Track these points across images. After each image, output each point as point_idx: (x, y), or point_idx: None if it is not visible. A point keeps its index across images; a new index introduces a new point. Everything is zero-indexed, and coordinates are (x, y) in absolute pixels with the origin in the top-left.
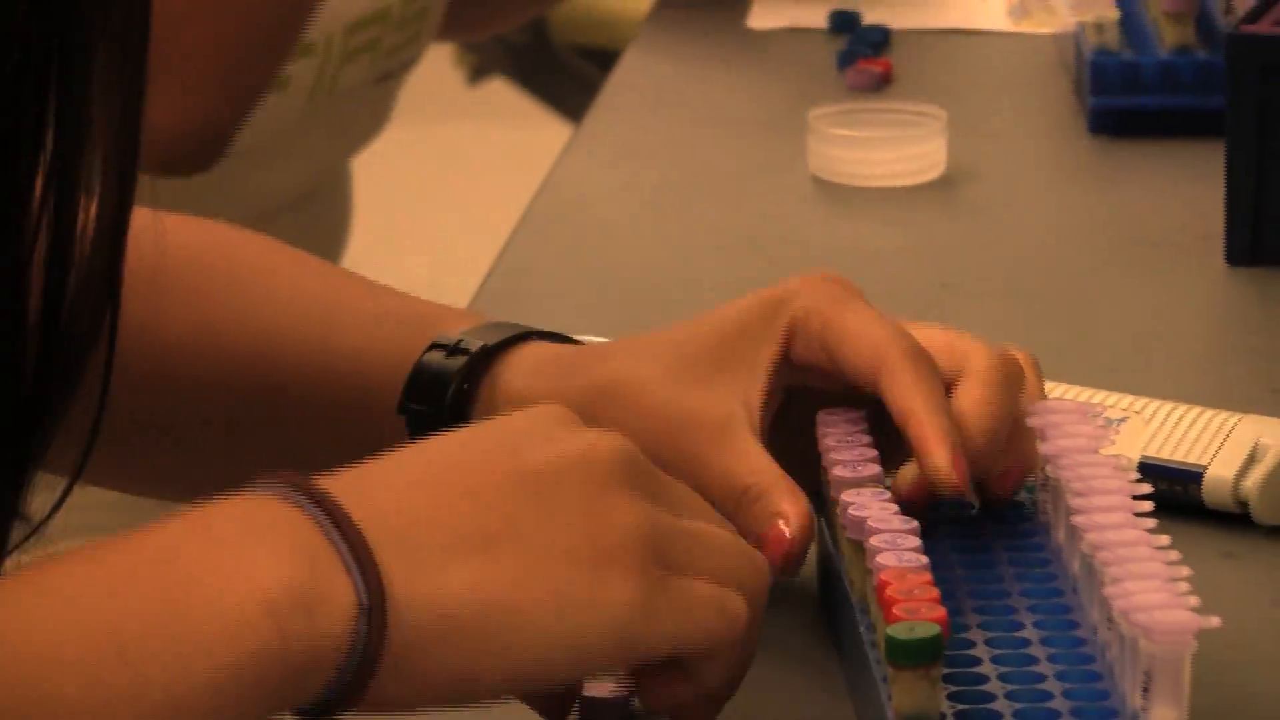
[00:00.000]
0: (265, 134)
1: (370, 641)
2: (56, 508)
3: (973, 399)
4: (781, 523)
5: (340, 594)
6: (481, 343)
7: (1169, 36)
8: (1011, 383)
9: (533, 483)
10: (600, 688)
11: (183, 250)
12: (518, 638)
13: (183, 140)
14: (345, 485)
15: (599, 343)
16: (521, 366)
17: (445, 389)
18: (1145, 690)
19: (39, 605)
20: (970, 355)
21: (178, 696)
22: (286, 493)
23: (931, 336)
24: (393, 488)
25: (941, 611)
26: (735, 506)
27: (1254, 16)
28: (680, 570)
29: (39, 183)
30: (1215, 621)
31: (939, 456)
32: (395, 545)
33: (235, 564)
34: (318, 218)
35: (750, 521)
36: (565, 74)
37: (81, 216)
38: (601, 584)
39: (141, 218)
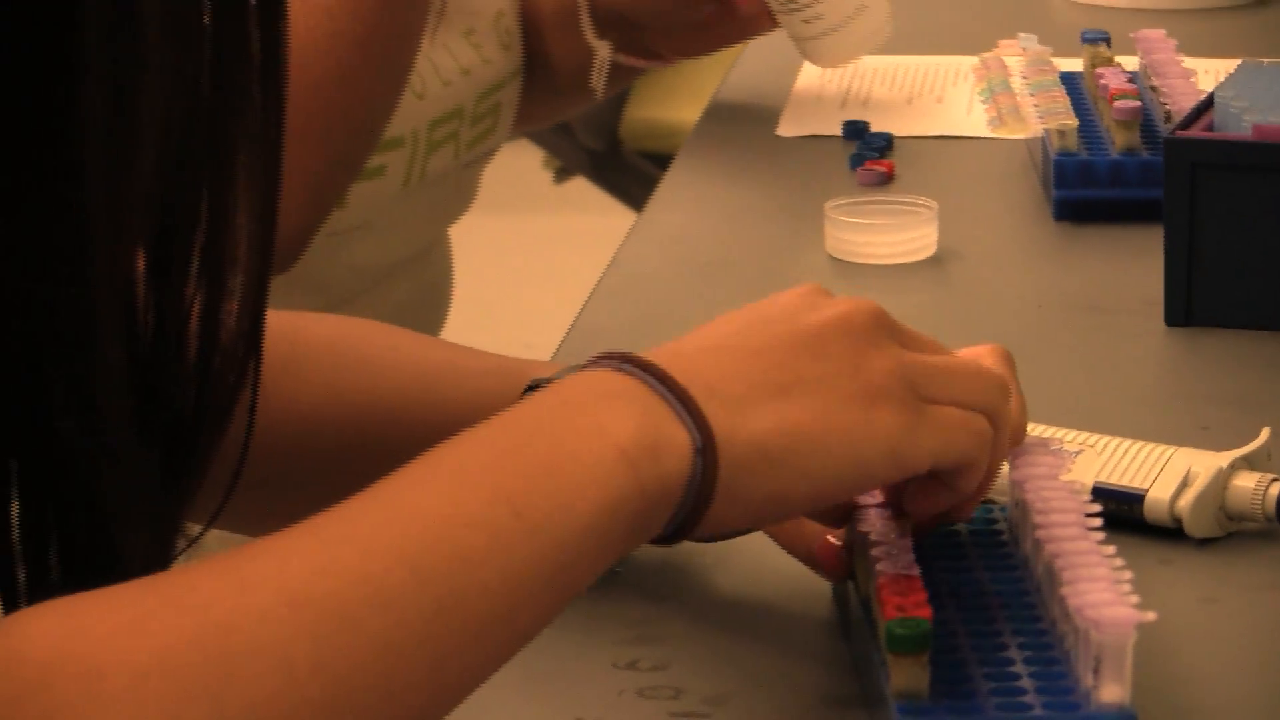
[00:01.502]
0: (368, 213)
1: (705, 475)
2: (205, 530)
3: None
4: (831, 537)
5: (677, 439)
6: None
7: (1119, 140)
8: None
9: (807, 341)
10: (871, 497)
11: (319, 337)
12: (816, 462)
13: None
14: (663, 355)
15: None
16: None
17: None
18: (1095, 672)
19: (438, 479)
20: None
21: (562, 538)
22: (620, 366)
23: None
24: (700, 354)
25: (929, 610)
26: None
27: (1186, 124)
28: (934, 399)
29: (195, 258)
30: (1152, 616)
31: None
32: (710, 397)
33: (592, 425)
34: (422, 284)
35: (804, 534)
36: (632, 173)
37: (229, 286)
38: (875, 415)
39: (280, 317)
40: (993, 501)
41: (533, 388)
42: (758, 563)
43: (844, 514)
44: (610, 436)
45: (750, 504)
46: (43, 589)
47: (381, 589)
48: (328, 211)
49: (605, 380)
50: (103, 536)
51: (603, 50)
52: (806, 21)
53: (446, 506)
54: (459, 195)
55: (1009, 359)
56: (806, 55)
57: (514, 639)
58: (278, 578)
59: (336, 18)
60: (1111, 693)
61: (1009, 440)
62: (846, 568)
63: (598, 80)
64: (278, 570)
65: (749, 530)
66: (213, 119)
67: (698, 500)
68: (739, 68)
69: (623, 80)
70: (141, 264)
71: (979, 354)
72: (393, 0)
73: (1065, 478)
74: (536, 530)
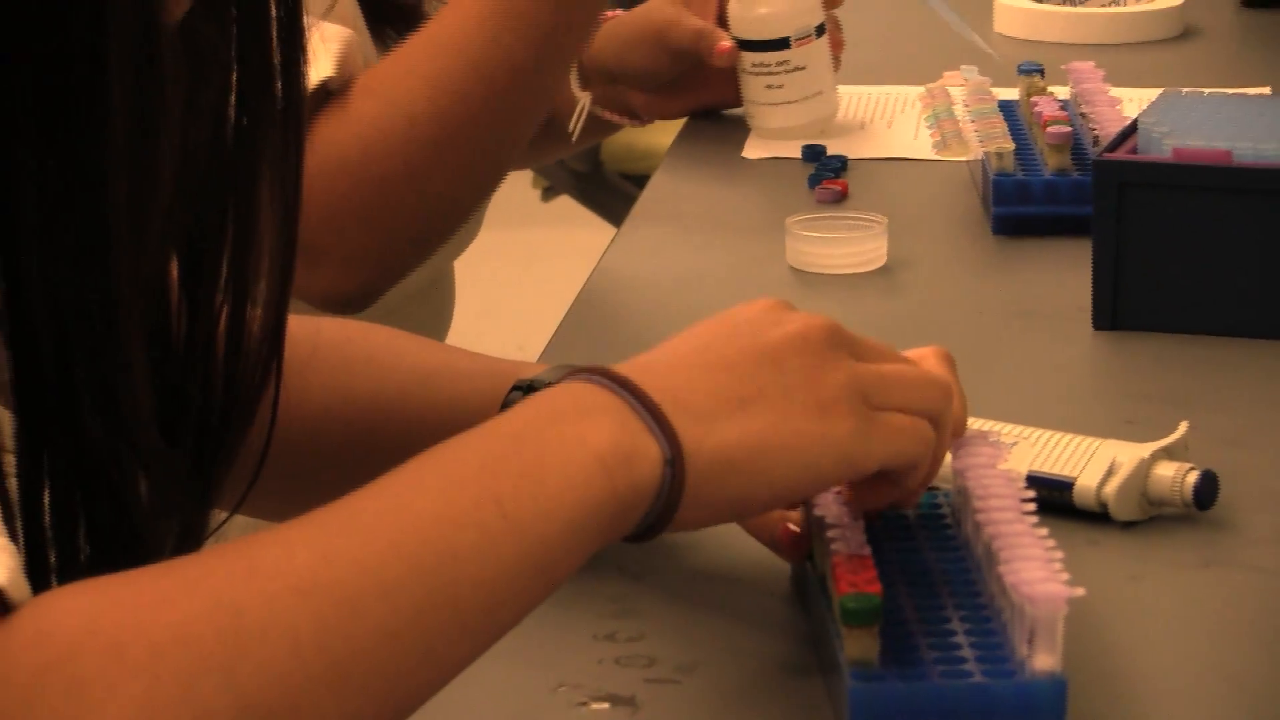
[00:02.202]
0: None
1: (674, 482)
2: (228, 518)
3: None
4: (790, 524)
5: (649, 451)
6: (547, 381)
7: (1051, 162)
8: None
9: (767, 355)
10: (825, 497)
11: (329, 340)
12: (775, 469)
13: (341, 303)
14: (637, 370)
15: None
16: None
17: None
18: (1030, 643)
19: (434, 481)
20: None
21: (544, 536)
22: (600, 381)
23: None
24: (670, 368)
25: (879, 586)
26: None
27: (1113, 147)
28: (883, 406)
29: (224, 271)
30: (1081, 592)
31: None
32: (679, 410)
33: (574, 435)
34: (431, 306)
35: (767, 521)
36: (612, 192)
37: (254, 295)
38: (828, 425)
39: (298, 321)
40: (937, 488)
41: (518, 388)
42: (724, 545)
43: (801, 500)
44: (589, 447)
45: (714, 507)
46: (72, 571)
47: (380, 580)
48: (395, 279)
49: (586, 394)
50: (129, 525)
51: (583, 100)
52: (769, 88)
53: (440, 506)
54: (465, 233)
55: (950, 360)
56: (753, 117)
57: (500, 626)
58: (286, 566)
59: (417, 124)
60: (1044, 661)
61: (951, 436)
62: (804, 550)
63: (575, 126)
64: (287, 559)
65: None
66: (237, 146)
67: (667, 505)
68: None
69: (598, 134)
70: (175, 274)
71: (923, 355)
72: (479, 114)
73: (1002, 467)
74: (521, 530)
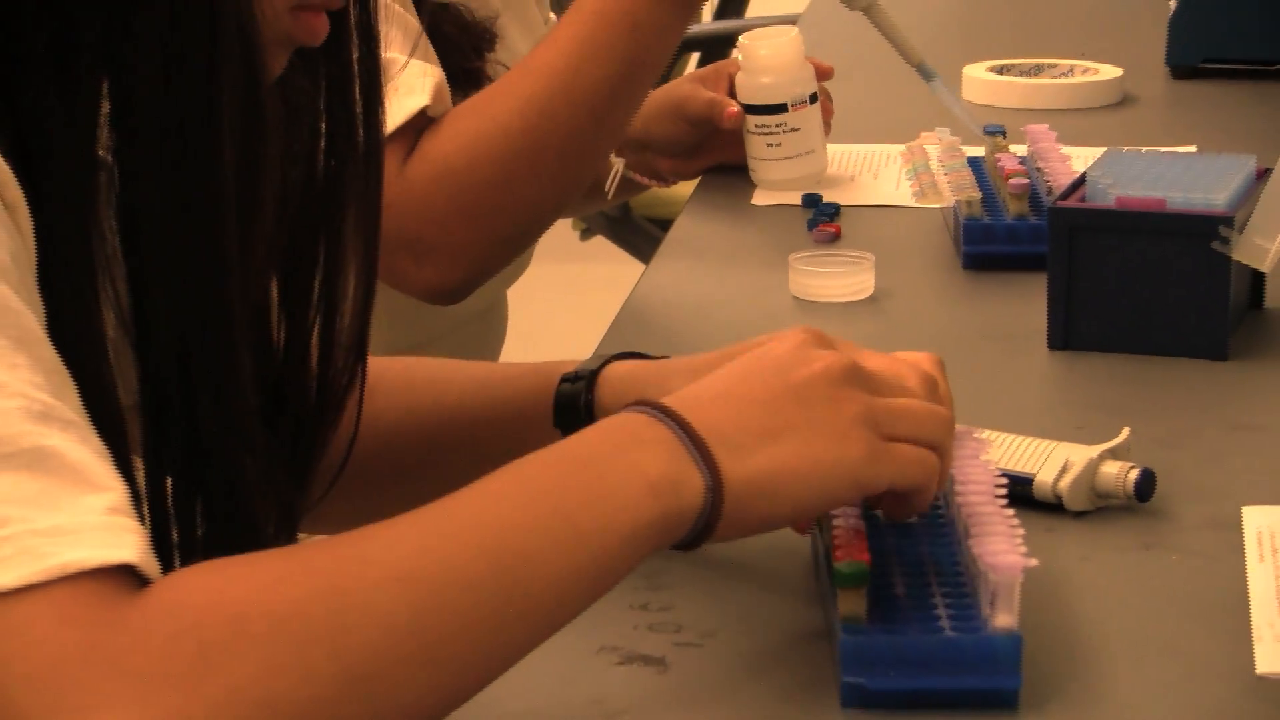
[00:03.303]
0: None
1: (713, 506)
2: (317, 504)
3: None
4: None
5: (694, 480)
6: (590, 369)
7: (1012, 209)
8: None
9: (795, 392)
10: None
11: (392, 370)
12: (797, 492)
13: (444, 294)
14: (686, 403)
15: (664, 360)
16: (610, 383)
17: (577, 402)
18: (992, 604)
19: (513, 494)
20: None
21: (603, 546)
22: (653, 414)
23: None
24: (712, 404)
25: (868, 556)
26: None
27: (1064, 196)
28: (893, 437)
29: (316, 291)
30: (1034, 562)
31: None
32: (719, 443)
33: (631, 463)
34: (489, 325)
35: None
36: (641, 233)
37: (341, 313)
38: (844, 453)
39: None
40: None
41: (565, 379)
42: None
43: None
44: (644, 474)
45: (746, 525)
46: (190, 546)
47: (466, 575)
48: (489, 275)
49: (644, 426)
50: (238, 505)
51: (617, 165)
52: (769, 145)
53: (518, 516)
54: (517, 266)
55: (940, 364)
56: (755, 170)
57: (563, 617)
58: (388, 557)
59: (511, 137)
60: (1003, 620)
61: (951, 462)
62: (811, 525)
63: (610, 187)
64: (388, 551)
65: None
66: (326, 184)
67: (707, 524)
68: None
69: (629, 193)
70: (275, 296)
71: (919, 359)
72: (564, 130)
73: (983, 458)
74: (584, 540)
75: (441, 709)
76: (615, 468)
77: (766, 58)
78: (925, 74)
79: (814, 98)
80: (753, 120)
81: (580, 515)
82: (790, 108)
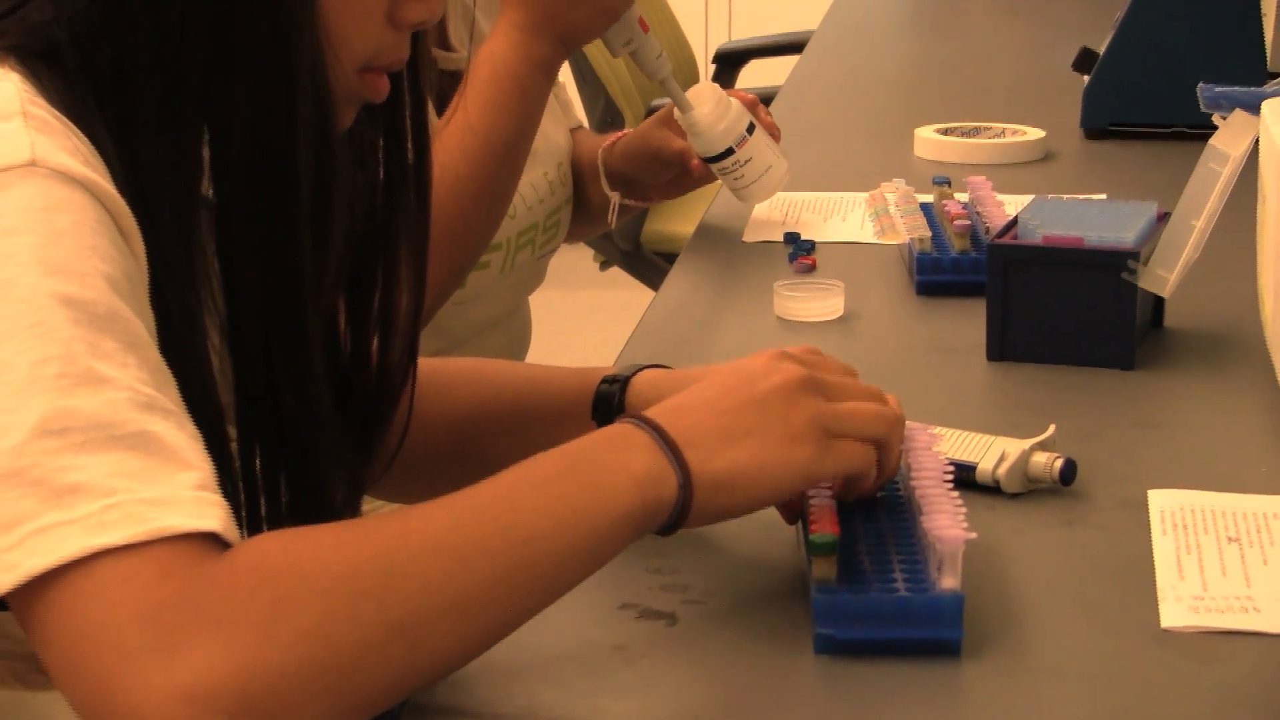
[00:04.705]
0: (478, 290)
1: (685, 497)
2: (381, 475)
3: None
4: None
5: (669, 476)
6: (625, 375)
7: (957, 245)
8: (894, 425)
9: (756, 402)
10: (818, 491)
11: (461, 366)
12: (753, 487)
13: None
14: (663, 415)
15: (679, 371)
16: (638, 386)
17: (612, 401)
18: (939, 569)
19: (524, 485)
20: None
21: (597, 528)
22: (639, 424)
23: None
24: (686, 414)
25: (837, 529)
26: None
27: (1000, 235)
28: (841, 434)
29: (375, 305)
30: (974, 535)
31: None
32: (689, 445)
33: (620, 462)
34: (510, 334)
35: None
36: (650, 265)
37: (396, 323)
38: (794, 452)
39: (431, 361)
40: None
41: (605, 380)
42: None
43: (788, 511)
44: (630, 471)
45: (712, 513)
46: (276, 512)
47: (485, 546)
48: (444, 301)
49: (631, 433)
50: (314, 476)
51: (614, 198)
52: (735, 179)
53: (529, 502)
54: (534, 277)
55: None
56: (737, 198)
57: (564, 586)
58: (425, 530)
59: (461, 180)
60: (949, 582)
61: (897, 451)
62: (797, 513)
63: (612, 218)
64: (425, 526)
65: None
66: (384, 217)
67: (680, 512)
68: (717, 201)
69: (628, 214)
70: (341, 309)
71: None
72: (494, 185)
73: (934, 449)
74: (581, 523)
75: (467, 655)
76: (607, 466)
77: (702, 116)
78: (684, 107)
79: (751, 127)
80: (715, 167)
81: (578, 502)
82: (735, 149)
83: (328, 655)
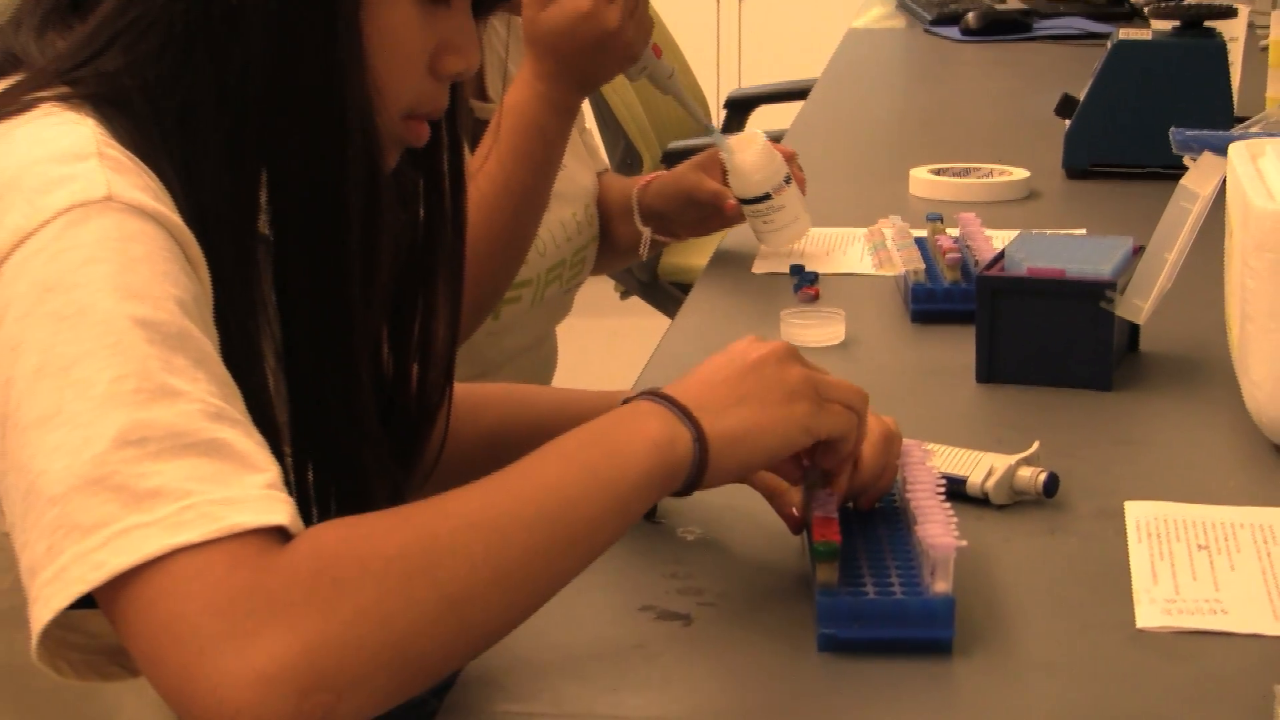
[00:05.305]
0: (510, 321)
1: (701, 454)
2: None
3: (871, 453)
4: (794, 509)
5: (683, 435)
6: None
7: (949, 276)
8: (890, 441)
9: (751, 369)
10: (822, 502)
11: (494, 390)
12: (762, 441)
13: None
14: (671, 389)
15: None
16: None
17: None
18: (932, 575)
19: (553, 460)
20: (870, 425)
21: (621, 491)
22: (653, 398)
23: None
24: (692, 386)
25: (839, 537)
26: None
27: (988, 267)
28: (828, 399)
29: (415, 332)
30: (964, 543)
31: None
32: (700, 409)
33: (638, 429)
34: (538, 359)
35: (779, 506)
36: (667, 295)
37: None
38: (793, 408)
39: (468, 386)
40: (894, 492)
41: (623, 402)
42: (750, 520)
43: (793, 468)
44: (648, 435)
45: (728, 469)
46: (326, 517)
47: (521, 518)
48: (468, 335)
49: (645, 406)
50: (362, 484)
51: (646, 233)
52: (765, 222)
53: (557, 475)
54: (562, 308)
55: (889, 427)
56: (760, 241)
57: (597, 547)
58: (465, 509)
59: (477, 224)
60: (941, 586)
61: (867, 430)
62: (801, 525)
63: (644, 250)
64: (464, 505)
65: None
66: (424, 252)
67: (698, 470)
68: (729, 236)
69: (654, 250)
70: (384, 336)
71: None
72: (514, 227)
73: (928, 464)
74: (606, 487)
75: (513, 622)
76: (625, 435)
77: (747, 160)
78: (709, 130)
79: (788, 179)
80: (748, 209)
81: (602, 468)
82: (772, 194)
83: (385, 631)
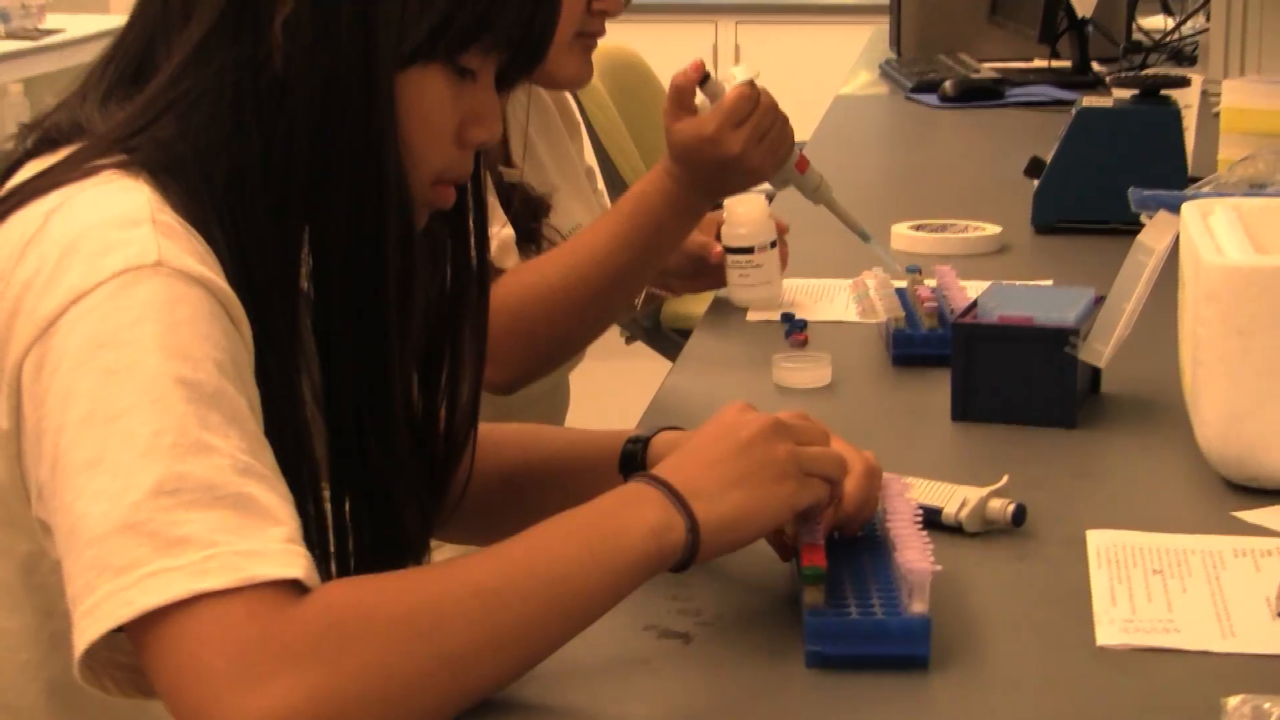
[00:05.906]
0: None
1: (693, 540)
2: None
3: (854, 486)
4: (786, 538)
5: (678, 524)
6: (646, 436)
7: (927, 323)
8: (872, 475)
9: (742, 448)
10: (809, 532)
11: (510, 430)
12: (749, 525)
13: (498, 388)
14: (668, 471)
15: (689, 431)
16: (658, 445)
17: (636, 458)
18: (909, 596)
19: (555, 536)
20: (853, 461)
21: (617, 571)
22: (650, 482)
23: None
24: (688, 468)
25: (825, 562)
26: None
27: (963, 315)
28: (809, 473)
29: (443, 379)
30: (940, 568)
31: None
32: (694, 497)
33: (636, 515)
34: (554, 402)
35: (770, 536)
36: (669, 340)
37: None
38: (780, 489)
39: (488, 426)
40: (874, 521)
41: (629, 440)
42: (747, 549)
43: (775, 533)
44: (645, 522)
45: (719, 550)
46: (361, 551)
47: (520, 588)
48: (531, 381)
49: (644, 490)
50: (394, 522)
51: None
52: (740, 274)
53: (558, 550)
54: (573, 360)
55: (871, 463)
56: (730, 292)
57: (589, 619)
58: (468, 577)
59: (554, 291)
60: (918, 607)
61: (853, 486)
62: (791, 553)
63: (639, 300)
64: (469, 573)
65: None
66: (451, 303)
67: (690, 553)
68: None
69: (651, 302)
70: (415, 380)
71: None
72: (594, 290)
73: (907, 496)
74: (604, 565)
75: (505, 681)
76: (625, 519)
77: (742, 214)
78: (863, 236)
79: (774, 244)
80: (730, 257)
81: (601, 549)
82: (756, 250)
83: (385, 685)
